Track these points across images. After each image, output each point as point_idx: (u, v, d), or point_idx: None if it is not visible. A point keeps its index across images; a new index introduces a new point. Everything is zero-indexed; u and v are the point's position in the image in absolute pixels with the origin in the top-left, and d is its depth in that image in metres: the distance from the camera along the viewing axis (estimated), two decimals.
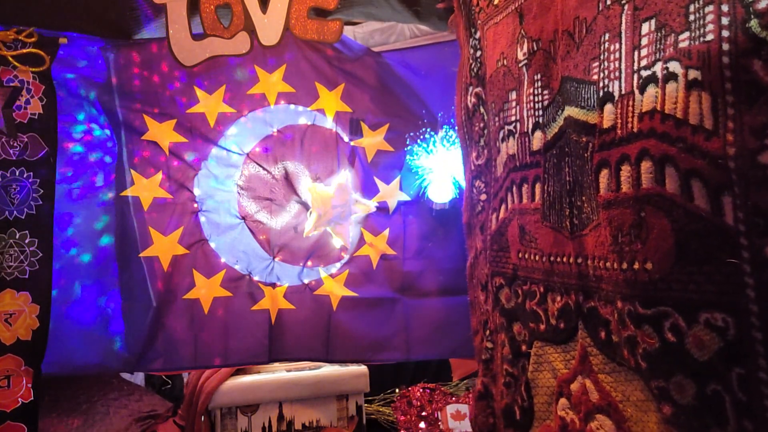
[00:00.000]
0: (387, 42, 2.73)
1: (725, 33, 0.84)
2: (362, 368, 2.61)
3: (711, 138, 0.86)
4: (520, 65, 1.41)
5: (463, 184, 1.78)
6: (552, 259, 1.29)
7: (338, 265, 2.34)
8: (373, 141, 2.34)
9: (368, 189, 2.36)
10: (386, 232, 2.35)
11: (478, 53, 1.64)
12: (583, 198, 1.16)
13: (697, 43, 0.88)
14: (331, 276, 2.33)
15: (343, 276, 2.33)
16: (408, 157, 2.32)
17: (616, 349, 1.08)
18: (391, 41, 2.73)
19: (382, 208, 2.35)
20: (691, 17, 0.90)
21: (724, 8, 0.84)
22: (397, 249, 2.35)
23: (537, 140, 1.34)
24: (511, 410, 1.46)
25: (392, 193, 2.36)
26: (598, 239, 1.10)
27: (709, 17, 0.86)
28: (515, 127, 1.44)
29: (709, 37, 0.86)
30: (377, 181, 2.36)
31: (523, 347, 1.42)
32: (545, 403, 1.35)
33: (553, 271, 1.29)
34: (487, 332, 1.60)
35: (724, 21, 0.84)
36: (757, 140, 0.81)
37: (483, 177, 1.64)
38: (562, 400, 1.26)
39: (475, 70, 1.66)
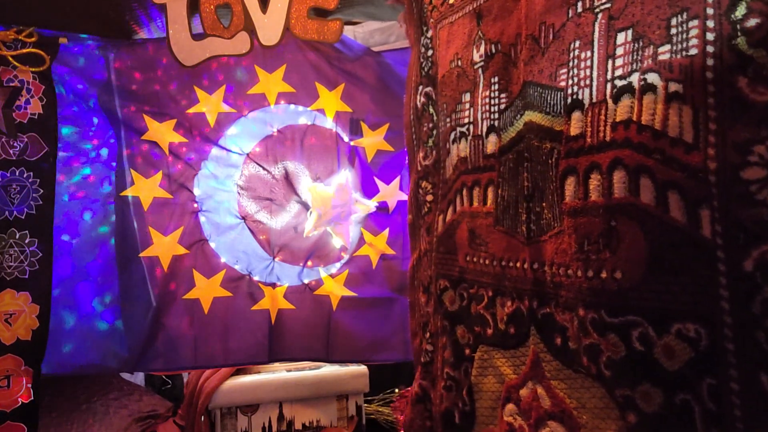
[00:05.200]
0: (387, 42, 2.73)
1: (710, 48, 0.84)
2: (362, 368, 2.60)
3: (691, 151, 0.86)
4: (475, 67, 1.39)
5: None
6: (504, 263, 1.27)
7: (338, 265, 2.34)
8: (373, 141, 2.34)
9: (368, 189, 2.36)
10: (386, 232, 2.35)
11: (429, 52, 1.61)
12: (543, 204, 1.15)
13: (679, 56, 0.88)
14: (331, 276, 2.33)
15: (343, 276, 2.33)
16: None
17: (573, 356, 1.08)
18: (391, 41, 2.73)
19: (382, 208, 2.35)
20: (673, 30, 0.89)
21: (710, 24, 0.84)
22: (396, 249, 2.35)
23: (491, 144, 1.32)
24: (451, 414, 1.44)
25: (392, 193, 2.36)
26: (560, 246, 1.09)
27: (693, 32, 0.86)
28: (468, 129, 1.41)
29: (693, 51, 0.86)
30: (377, 181, 2.36)
31: (467, 351, 1.40)
32: (489, 407, 1.34)
33: (505, 276, 1.27)
34: (427, 335, 1.58)
35: (709, 36, 0.84)
36: (741, 155, 0.81)
37: (430, 178, 1.61)
38: (510, 406, 1.25)
39: (425, 69, 1.63)
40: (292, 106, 2.32)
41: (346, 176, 2.32)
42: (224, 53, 2.17)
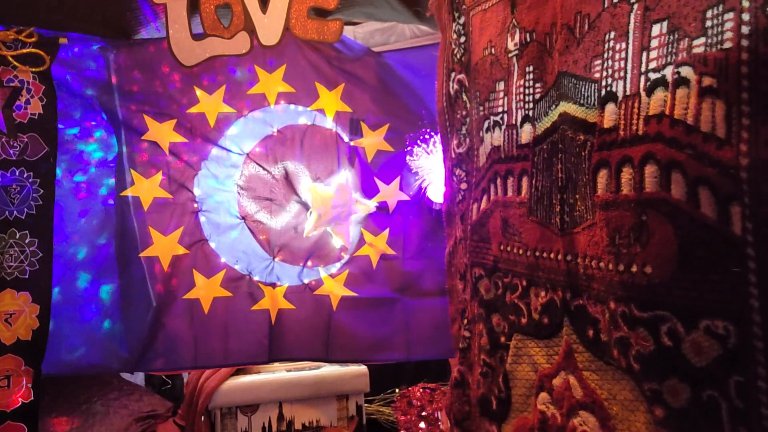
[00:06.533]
0: (387, 42, 2.73)
1: (745, 42, 0.82)
2: (362, 368, 2.61)
3: (723, 147, 0.85)
4: (509, 55, 1.39)
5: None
6: (537, 254, 1.28)
7: (338, 265, 2.34)
8: (373, 141, 2.34)
9: (368, 189, 2.36)
10: (386, 232, 2.35)
11: (462, 39, 1.60)
12: (577, 196, 1.15)
13: (713, 50, 0.87)
14: (331, 276, 2.33)
15: (343, 276, 2.33)
16: (408, 157, 2.32)
17: (604, 348, 1.08)
18: (391, 41, 2.73)
19: (382, 208, 2.35)
20: (708, 23, 0.88)
21: (746, 17, 0.83)
22: (397, 249, 2.35)
23: (526, 133, 1.32)
24: (488, 400, 1.46)
25: (392, 193, 2.36)
26: (592, 239, 1.10)
27: (728, 25, 0.85)
28: (502, 118, 1.41)
29: (727, 45, 0.85)
30: (377, 181, 2.36)
31: (502, 339, 1.41)
32: (523, 395, 1.36)
33: (538, 266, 1.28)
34: (465, 321, 1.60)
35: (745, 30, 0.83)
36: None
37: (464, 166, 1.62)
38: (543, 395, 1.26)
39: (458, 55, 1.62)
40: (292, 106, 2.32)
41: (346, 176, 2.32)
42: (224, 53, 2.17)
